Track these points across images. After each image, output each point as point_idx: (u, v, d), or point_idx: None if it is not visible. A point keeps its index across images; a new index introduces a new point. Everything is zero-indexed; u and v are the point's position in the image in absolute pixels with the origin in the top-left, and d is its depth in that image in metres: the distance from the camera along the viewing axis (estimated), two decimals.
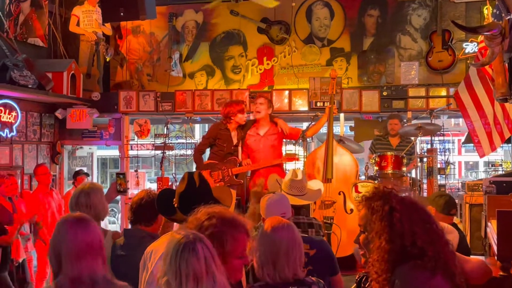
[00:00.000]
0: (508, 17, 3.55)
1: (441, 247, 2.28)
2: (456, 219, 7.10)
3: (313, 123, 6.99)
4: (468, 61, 8.22)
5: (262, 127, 7.01)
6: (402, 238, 2.24)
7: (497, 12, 4.37)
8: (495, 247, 4.02)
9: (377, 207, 2.34)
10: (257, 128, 7.02)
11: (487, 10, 7.50)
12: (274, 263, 2.69)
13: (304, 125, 7.83)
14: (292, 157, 7.12)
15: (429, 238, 2.25)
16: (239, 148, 7.05)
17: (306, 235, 3.86)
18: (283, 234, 2.76)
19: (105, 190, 4.21)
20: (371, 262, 2.34)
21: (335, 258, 3.67)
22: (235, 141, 7.05)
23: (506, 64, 4.31)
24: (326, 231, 5.65)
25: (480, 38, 6.71)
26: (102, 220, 4.05)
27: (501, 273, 3.90)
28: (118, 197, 8.59)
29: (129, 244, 3.56)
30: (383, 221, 2.30)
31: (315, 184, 5.00)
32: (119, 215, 9.64)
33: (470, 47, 8.27)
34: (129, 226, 3.78)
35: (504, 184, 5.56)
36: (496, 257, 3.98)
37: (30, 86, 7.43)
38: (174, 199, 3.03)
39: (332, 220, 5.90)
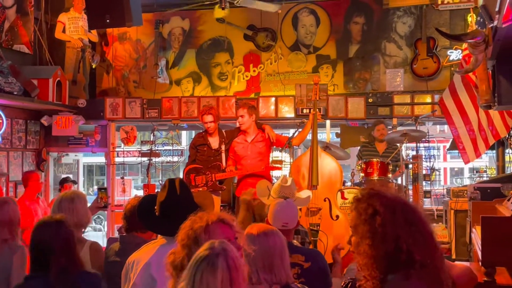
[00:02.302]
0: (492, 25, 3.58)
1: (428, 249, 2.23)
2: (441, 225, 7.17)
3: (299, 130, 6.99)
4: (453, 68, 8.28)
5: (249, 135, 7.00)
6: (385, 244, 2.21)
7: (481, 20, 4.41)
8: (479, 253, 4.04)
9: (361, 209, 2.32)
10: (245, 135, 7.03)
11: (471, 18, 7.57)
12: (271, 267, 2.69)
13: (291, 131, 7.82)
14: (276, 167, 7.11)
15: (414, 241, 2.21)
16: (223, 155, 7.03)
17: (302, 246, 3.87)
18: (275, 238, 2.77)
19: (90, 199, 4.20)
20: (359, 266, 2.32)
21: (329, 273, 3.66)
22: (215, 145, 7.04)
23: (490, 71, 4.34)
24: (312, 238, 5.65)
25: (464, 45, 6.78)
26: (85, 228, 4.00)
27: (485, 278, 3.93)
28: None
29: (124, 250, 3.55)
30: (365, 225, 2.28)
31: (304, 193, 5.02)
32: (105, 223, 9.57)
33: (455, 54, 8.33)
34: (116, 234, 3.78)
35: (489, 190, 5.57)
36: (480, 263, 4.00)
37: (15, 93, 7.39)
38: (156, 207, 3.02)
39: (318, 227, 5.87)
